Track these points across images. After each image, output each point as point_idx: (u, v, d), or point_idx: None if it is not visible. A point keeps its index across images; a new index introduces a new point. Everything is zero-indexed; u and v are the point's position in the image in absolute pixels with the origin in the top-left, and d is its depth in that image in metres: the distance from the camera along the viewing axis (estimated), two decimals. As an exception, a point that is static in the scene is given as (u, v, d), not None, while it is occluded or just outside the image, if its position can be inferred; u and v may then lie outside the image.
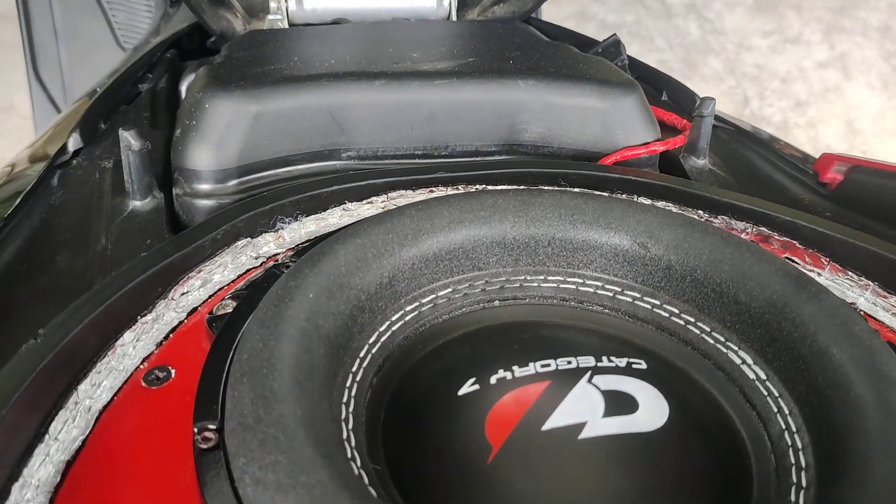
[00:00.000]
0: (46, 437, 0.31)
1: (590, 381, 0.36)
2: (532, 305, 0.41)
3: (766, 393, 0.35)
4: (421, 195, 0.49)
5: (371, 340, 0.36)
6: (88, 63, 1.15)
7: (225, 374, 0.33)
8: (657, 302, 0.40)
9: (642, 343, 0.39)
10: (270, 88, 0.50)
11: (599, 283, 0.41)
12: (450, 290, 0.40)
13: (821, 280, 0.43)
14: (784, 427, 0.33)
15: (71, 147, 0.54)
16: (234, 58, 0.57)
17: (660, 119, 0.60)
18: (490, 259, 0.41)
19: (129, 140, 0.47)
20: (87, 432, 0.32)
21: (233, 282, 0.42)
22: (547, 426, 0.33)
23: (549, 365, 0.36)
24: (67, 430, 0.31)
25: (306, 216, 0.47)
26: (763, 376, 0.35)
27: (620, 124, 0.54)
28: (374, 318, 0.37)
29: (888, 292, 0.42)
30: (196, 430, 0.30)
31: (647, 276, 0.40)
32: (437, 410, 0.34)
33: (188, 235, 0.42)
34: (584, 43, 0.77)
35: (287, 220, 0.46)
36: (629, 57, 0.72)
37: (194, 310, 0.40)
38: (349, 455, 0.30)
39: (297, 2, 0.76)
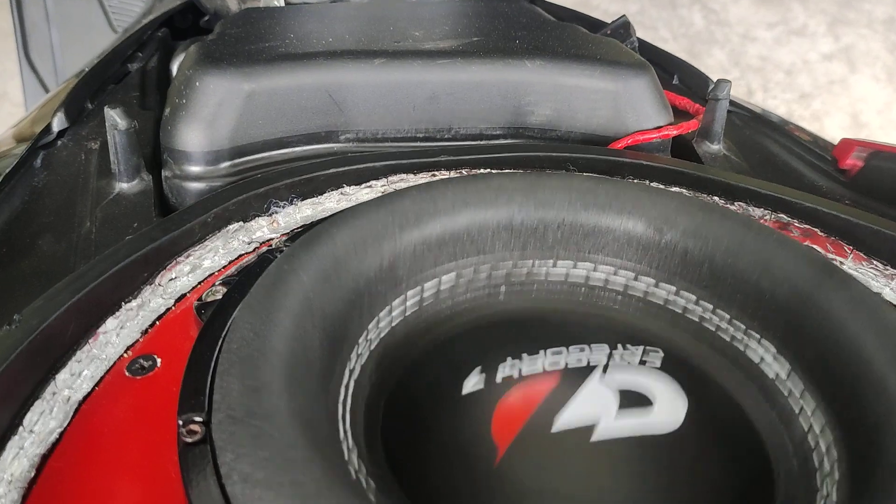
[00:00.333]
0: (21, 429, 0.29)
1: (602, 379, 0.34)
2: (541, 293, 0.39)
3: (788, 389, 0.33)
4: (423, 179, 0.46)
5: (370, 328, 0.34)
6: (81, 47, 1.13)
7: (213, 364, 0.31)
8: (673, 289, 0.38)
9: (657, 336, 0.36)
10: (265, 66, 0.48)
11: (612, 269, 0.39)
12: (454, 273, 0.38)
13: (844, 269, 0.41)
14: (808, 427, 0.31)
15: (55, 127, 0.52)
16: (227, 35, 0.54)
17: (671, 103, 0.57)
18: (496, 244, 0.39)
19: (115, 118, 0.44)
20: (66, 424, 0.30)
21: (224, 267, 0.40)
22: (556, 427, 0.31)
23: (559, 360, 0.35)
24: (44, 421, 0.30)
25: (302, 200, 0.45)
26: (786, 369, 0.33)
27: (632, 107, 0.52)
28: (373, 303, 0.35)
29: (916, 282, 0.40)
30: (181, 422, 0.28)
31: (663, 262, 0.38)
32: (440, 408, 0.32)
33: (176, 218, 0.40)
34: (592, 24, 0.74)
35: (282, 203, 0.44)
36: (639, 39, 0.70)
37: (183, 296, 0.38)
38: (345, 451, 0.28)
39: (294, -20, 0.73)
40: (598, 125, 0.53)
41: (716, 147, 0.56)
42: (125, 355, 0.34)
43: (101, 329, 0.34)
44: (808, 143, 0.59)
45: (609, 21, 0.73)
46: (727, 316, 0.36)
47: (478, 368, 0.34)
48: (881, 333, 0.30)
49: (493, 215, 0.38)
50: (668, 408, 0.32)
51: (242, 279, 0.37)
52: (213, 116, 0.47)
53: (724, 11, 2.34)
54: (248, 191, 0.43)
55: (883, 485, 0.26)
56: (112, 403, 0.31)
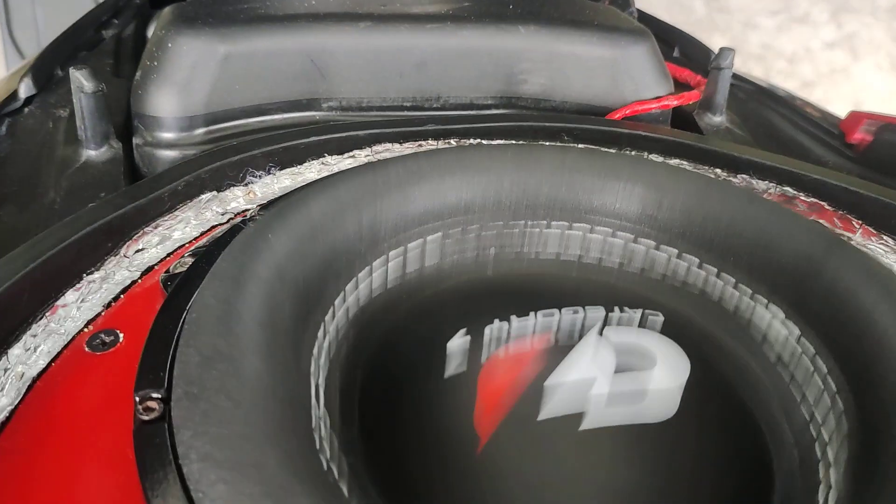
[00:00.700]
0: None
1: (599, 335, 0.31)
2: (532, 259, 0.37)
3: (798, 354, 0.31)
4: (409, 149, 0.44)
5: (348, 291, 0.32)
6: (65, 24, 1.10)
7: (176, 337, 0.29)
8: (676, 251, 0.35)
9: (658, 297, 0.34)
10: (242, 28, 0.45)
11: (609, 231, 0.36)
12: (439, 234, 0.35)
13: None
14: (820, 393, 0.29)
15: (22, 94, 0.49)
16: (205, -4, 0.52)
17: (672, 75, 0.55)
18: (485, 213, 0.36)
19: (81, 80, 0.42)
20: (17, 402, 0.28)
21: (195, 239, 0.38)
22: (544, 415, 0.29)
23: (551, 320, 0.32)
24: None
25: (280, 170, 0.42)
26: (796, 334, 0.31)
27: (630, 76, 0.50)
28: (351, 269, 0.33)
29: (929, 258, 0.38)
30: (137, 399, 0.26)
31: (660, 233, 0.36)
32: (422, 379, 0.30)
33: (144, 186, 0.38)
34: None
35: (258, 173, 0.42)
36: (639, 10, 0.67)
37: (150, 269, 0.36)
38: (317, 427, 0.26)
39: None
40: (594, 95, 0.51)
41: (718, 119, 0.54)
42: (86, 330, 0.32)
43: (59, 302, 0.32)
44: (815, 117, 0.56)
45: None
46: (732, 281, 0.34)
47: (463, 330, 0.32)
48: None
49: (483, 182, 0.36)
50: (669, 371, 0.30)
51: (211, 249, 0.34)
52: (187, 80, 0.44)
53: (726, -2, 2.31)
54: (222, 158, 0.41)
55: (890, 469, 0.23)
56: (69, 380, 0.30)
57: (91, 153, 0.44)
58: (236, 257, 0.29)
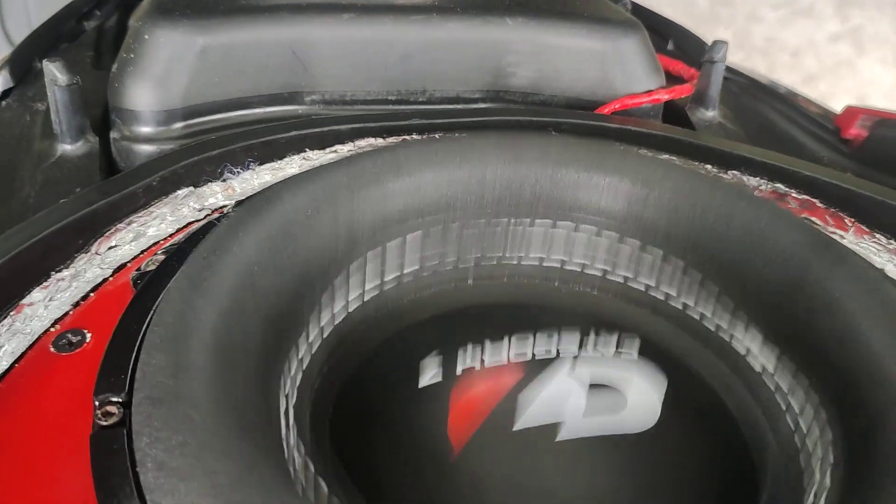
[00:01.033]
0: None
1: (571, 370, 0.31)
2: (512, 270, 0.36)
3: (775, 380, 0.30)
4: (392, 143, 0.43)
5: (323, 302, 0.31)
6: (57, 15, 1.09)
7: (140, 340, 0.28)
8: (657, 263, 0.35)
9: (634, 322, 0.33)
10: (221, 19, 0.44)
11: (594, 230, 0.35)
12: (419, 233, 0.34)
13: (844, 243, 0.38)
14: (797, 418, 0.28)
15: (-1, 86, 0.49)
16: (185, -14, 0.51)
17: (665, 69, 0.54)
18: (467, 206, 0.35)
19: (55, 73, 0.41)
20: None
21: (170, 236, 0.37)
22: (519, 424, 0.28)
23: (525, 348, 0.31)
24: None
25: (260, 165, 0.41)
26: (776, 355, 0.30)
27: (621, 69, 0.49)
28: (325, 273, 0.32)
29: (922, 257, 0.37)
30: (97, 403, 0.25)
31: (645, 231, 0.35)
32: (394, 387, 0.29)
33: (118, 181, 0.37)
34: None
35: (237, 168, 0.41)
36: (634, 3, 0.66)
37: (123, 266, 0.35)
38: (285, 435, 0.25)
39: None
40: (584, 88, 0.49)
41: (710, 113, 0.53)
42: (52, 329, 0.31)
43: (25, 300, 0.32)
44: (809, 111, 0.55)
45: None
46: (712, 298, 0.33)
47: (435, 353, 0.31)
48: (881, 312, 0.27)
49: (463, 177, 0.35)
50: (642, 401, 0.29)
51: (183, 247, 0.34)
52: (164, 73, 0.43)
53: (729, -10, 2.29)
54: (199, 153, 0.40)
55: (882, 483, 0.22)
56: (33, 382, 0.29)
57: (67, 147, 0.43)
58: (206, 257, 0.28)
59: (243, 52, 0.45)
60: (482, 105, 0.50)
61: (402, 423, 0.29)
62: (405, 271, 0.35)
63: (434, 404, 0.30)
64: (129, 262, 0.35)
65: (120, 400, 0.26)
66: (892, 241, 0.38)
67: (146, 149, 0.44)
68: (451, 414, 0.29)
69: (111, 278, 0.34)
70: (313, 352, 0.30)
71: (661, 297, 0.34)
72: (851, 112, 0.51)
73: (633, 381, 0.30)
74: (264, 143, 0.41)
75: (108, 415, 0.25)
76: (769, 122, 0.56)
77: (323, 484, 0.25)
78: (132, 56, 0.43)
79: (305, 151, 0.43)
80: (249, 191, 0.40)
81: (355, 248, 0.33)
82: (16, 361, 0.29)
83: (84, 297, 0.33)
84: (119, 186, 0.37)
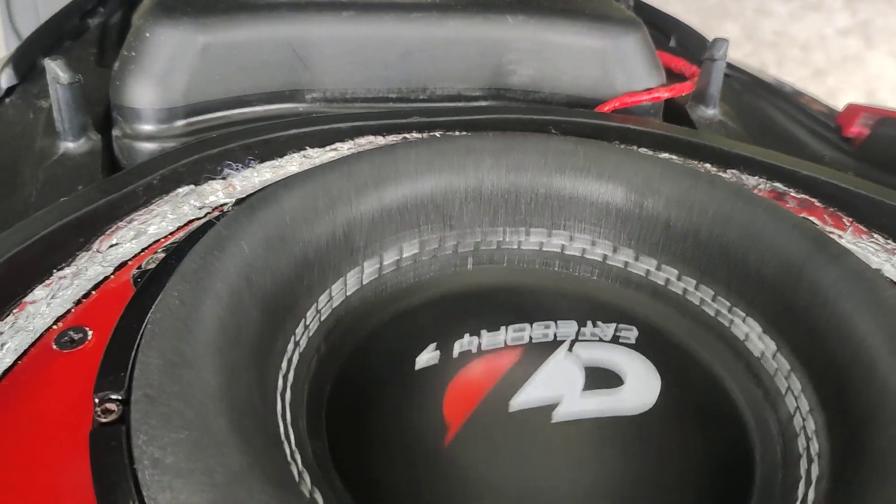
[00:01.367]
0: None
1: (569, 352, 0.31)
2: (510, 267, 0.36)
3: (774, 369, 0.30)
4: (392, 142, 0.43)
5: (320, 302, 0.32)
6: (64, 10, 1.09)
7: (139, 337, 0.28)
8: (655, 262, 0.35)
9: (633, 309, 0.33)
10: (222, 17, 0.45)
11: (589, 239, 0.36)
12: (416, 250, 0.35)
13: (842, 243, 0.38)
14: (794, 408, 0.28)
15: (3, 84, 0.49)
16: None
17: (666, 66, 0.54)
18: (464, 211, 0.36)
19: (57, 71, 0.41)
20: None
21: (171, 234, 0.37)
22: (516, 405, 0.29)
23: (522, 334, 0.32)
24: None
25: (260, 163, 0.42)
26: (773, 349, 0.30)
27: (621, 67, 0.49)
28: (324, 276, 0.32)
29: (920, 257, 0.37)
30: (97, 400, 0.26)
31: (644, 233, 0.35)
32: (390, 385, 0.30)
33: (118, 179, 0.37)
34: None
35: (237, 166, 0.41)
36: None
37: (124, 264, 0.35)
38: (282, 433, 0.26)
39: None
40: (584, 86, 0.49)
41: (711, 112, 0.53)
42: (55, 327, 0.31)
43: (28, 298, 0.32)
44: (812, 109, 0.55)
45: None
46: (710, 293, 0.33)
47: (433, 345, 0.31)
48: (876, 311, 0.27)
49: (460, 180, 0.35)
50: (640, 385, 0.30)
51: (182, 245, 0.34)
52: (166, 71, 0.43)
53: (738, -16, 2.27)
54: (200, 151, 0.40)
55: (868, 479, 0.23)
56: (35, 379, 0.29)
57: (69, 145, 0.44)
58: (204, 255, 0.29)
59: (244, 50, 0.45)
60: (483, 103, 0.50)
61: (397, 409, 0.29)
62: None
63: (430, 387, 0.30)
64: (130, 259, 0.35)
65: (119, 397, 0.26)
66: (889, 241, 0.38)
67: (148, 146, 0.44)
68: (446, 396, 0.29)
69: (112, 276, 0.34)
70: (311, 337, 0.31)
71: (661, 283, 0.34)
72: (852, 110, 0.51)
73: (627, 382, 0.30)
74: (265, 140, 0.42)
75: (107, 412, 0.26)
76: (771, 120, 0.55)
77: (316, 487, 0.25)
78: (134, 54, 0.43)
79: (305, 149, 0.43)
80: (250, 188, 0.40)
81: (353, 257, 0.33)
82: (19, 358, 0.30)
83: (86, 295, 0.33)
84: (120, 184, 0.37)
